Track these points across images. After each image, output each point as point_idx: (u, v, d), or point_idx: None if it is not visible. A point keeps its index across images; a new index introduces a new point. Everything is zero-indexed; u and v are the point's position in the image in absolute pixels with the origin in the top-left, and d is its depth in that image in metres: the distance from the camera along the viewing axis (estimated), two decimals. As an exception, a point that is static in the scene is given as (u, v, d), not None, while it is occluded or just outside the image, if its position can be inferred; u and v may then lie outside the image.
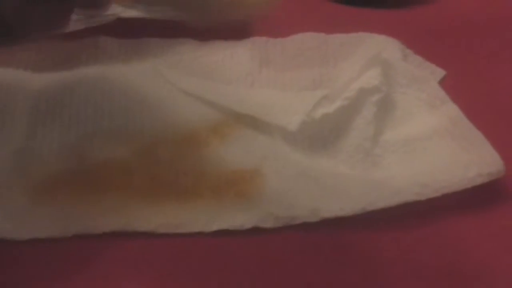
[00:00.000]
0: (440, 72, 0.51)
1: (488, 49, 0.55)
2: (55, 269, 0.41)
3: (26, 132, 0.46)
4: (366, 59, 0.47)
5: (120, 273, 0.41)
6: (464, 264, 0.42)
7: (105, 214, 0.43)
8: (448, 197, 0.43)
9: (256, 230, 0.43)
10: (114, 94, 0.48)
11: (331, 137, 0.46)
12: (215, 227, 0.43)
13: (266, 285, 0.41)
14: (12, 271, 0.41)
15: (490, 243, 0.43)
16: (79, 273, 0.41)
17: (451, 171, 0.43)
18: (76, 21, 0.47)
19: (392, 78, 0.48)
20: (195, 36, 0.54)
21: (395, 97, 0.47)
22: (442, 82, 0.50)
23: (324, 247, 0.43)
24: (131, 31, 0.53)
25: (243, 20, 0.53)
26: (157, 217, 0.43)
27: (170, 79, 0.50)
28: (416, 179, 0.43)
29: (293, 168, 0.45)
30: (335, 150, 0.46)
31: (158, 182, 0.44)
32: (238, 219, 0.43)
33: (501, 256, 0.43)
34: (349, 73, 0.47)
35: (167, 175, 0.45)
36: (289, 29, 0.54)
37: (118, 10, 0.51)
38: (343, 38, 0.53)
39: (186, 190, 0.44)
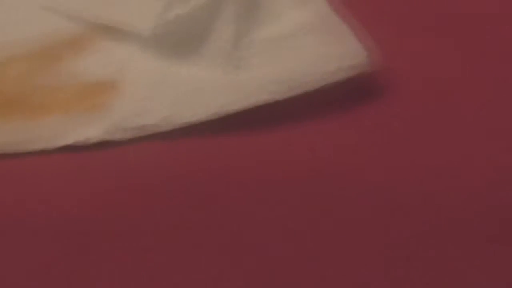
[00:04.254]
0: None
1: None
2: None
3: None
4: None
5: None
6: (333, 164, 0.40)
7: None
8: (321, 94, 0.41)
9: (109, 144, 0.41)
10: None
11: (190, 41, 0.43)
12: (59, 143, 0.40)
13: (119, 198, 0.39)
14: None
15: (361, 140, 0.41)
16: None
17: (311, 66, 0.41)
18: None
19: None
20: None
21: None
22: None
23: (181, 154, 0.41)
24: None
25: None
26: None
27: None
28: (273, 78, 0.41)
29: (150, 77, 0.43)
30: (196, 55, 0.43)
31: (5, 100, 0.42)
32: (84, 133, 0.40)
33: (370, 152, 0.41)
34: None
35: (15, 92, 0.42)
36: None
37: None
38: None
39: (34, 107, 0.42)
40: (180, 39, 0.43)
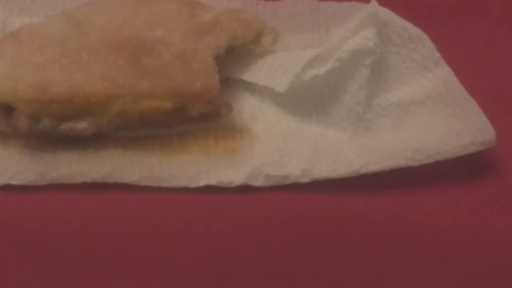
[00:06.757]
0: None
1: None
2: (29, 220, 0.40)
3: None
4: (361, 17, 0.45)
5: (100, 227, 0.40)
6: (452, 231, 0.42)
7: (86, 162, 0.41)
8: (438, 165, 0.43)
9: (243, 189, 0.42)
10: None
11: (322, 100, 0.45)
12: (202, 182, 0.42)
13: (253, 243, 0.40)
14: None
15: (479, 212, 0.43)
16: (55, 225, 0.40)
17: (444, 138, 0.43)
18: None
19: (387, 36, 0.46)
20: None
21: (388, 57, 0.46)
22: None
23: (313, 208, 0.42)
24: None
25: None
26: (141, 168, 0.42)
27: None
28: (408, 144, 0.42)
29: (283, 128, 0.44)
30: (325, 113, 0.45)
31: (143, 135, 0.43)
32: (227, 175, 0.42)
33: (489, 224, 0.42)
34: (343, 33, 0.45)
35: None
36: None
37: None
38: (336, 7, 0.50)
39: (172, 145, 0.43)
40: (312, 96, 0.45)
